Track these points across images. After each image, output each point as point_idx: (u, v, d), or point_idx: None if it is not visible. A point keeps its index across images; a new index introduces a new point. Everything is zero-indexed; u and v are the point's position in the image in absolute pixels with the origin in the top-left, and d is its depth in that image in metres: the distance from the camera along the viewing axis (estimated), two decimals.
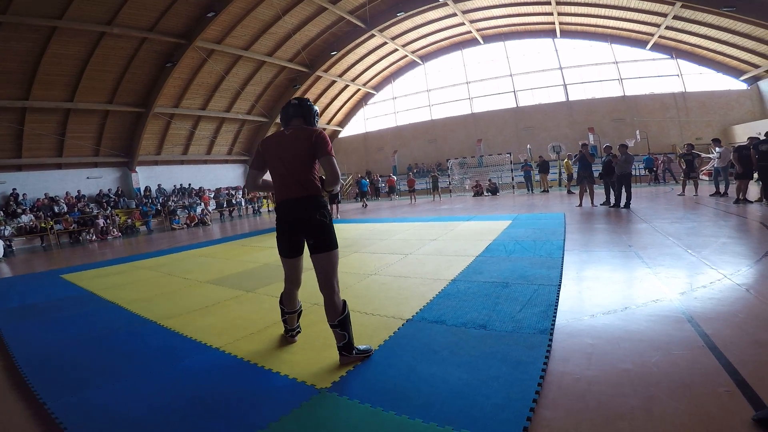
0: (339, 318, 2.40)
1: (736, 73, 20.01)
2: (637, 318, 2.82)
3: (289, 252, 2.56)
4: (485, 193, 17.68)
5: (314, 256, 2.43)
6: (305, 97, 2.60)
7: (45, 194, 16.50)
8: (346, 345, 2.42)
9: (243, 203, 22.08)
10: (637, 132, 20.16)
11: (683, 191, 11.08)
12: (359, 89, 27.61)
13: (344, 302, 2.47)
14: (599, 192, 10.32)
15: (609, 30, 21.34)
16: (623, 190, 9.05)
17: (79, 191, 17.64)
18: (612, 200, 9.47)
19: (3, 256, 11.23)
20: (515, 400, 1.91)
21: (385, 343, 2.72)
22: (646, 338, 2.49)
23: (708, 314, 2.79)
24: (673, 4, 16.44)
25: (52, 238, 14.81)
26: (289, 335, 2.88)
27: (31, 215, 15.03)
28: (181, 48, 16.48)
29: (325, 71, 23.23)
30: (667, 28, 18.81)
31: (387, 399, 2.01)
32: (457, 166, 21.60)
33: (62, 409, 2.18)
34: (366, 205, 17.36)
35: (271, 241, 8.57)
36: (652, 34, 20.04)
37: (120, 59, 15.81)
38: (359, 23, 20.37)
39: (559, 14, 20.76)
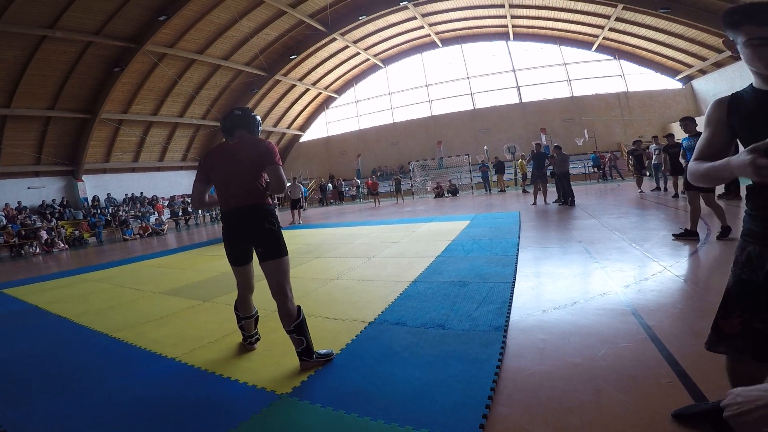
0: (294, 323, 2.40)
1: (672, 72, 21.56)
2: (585, 312, 2.94)
3: (237, 260, 2.55)
4: (446, 195, 18.07)
5: (264, 264, 2.41)
6: (250, 109, 2.56)
7: None
8: (305, 350, 2.42)
9: (199, 211, 21.32)
10: (585, 131, 21.32)
11: (640, 188, 11.08)
12: (320, 93, 27.42)
13: (299, 307, 2.46)
14: (552, 190, 10.84)
15: (558, 32, 22.46)
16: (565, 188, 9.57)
17: (19, 203, 16.40)
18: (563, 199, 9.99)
19: None
20: (472, 398, 1.97)
21: (347, 346, 2.73)
22: (594, 332, 2.59)
23: (650, 306, 2.94)
24: (615, 5, 17.50)
25: None
26: (248, 342, 2.84)
27: None
28: (130, 52, 15.74)
29: (285, 75, 22.89)
30: (611, 29, 20.03)
31: (349, 401, 2.03)
32: (418, 168, 21.94)
33: (9, 422, 2.10)
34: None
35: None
36: (597, 36, 21.26)
37: (63, 63, 14.88)
38: (320, 27, 20.26)
39: (512, 17, 21.62)
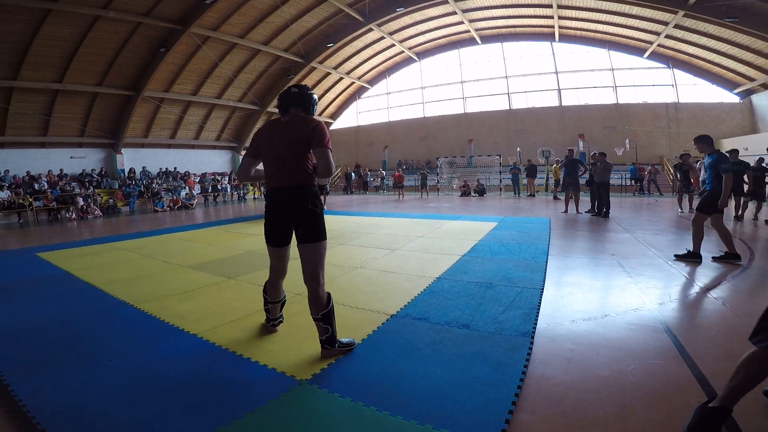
0: (323, 311, 2.36)
1: (730, 85, 20.18)
2: (616, 326, 2.86)
3: (276, 240, 2.50)
4: (472, 194, 17.78)
5: (301, 246, 2.38)
6: (308, 87, 2.50)
7: (27, 172, 16.11)
8: (328, 338, 2.39)
9: (228, 189, 21.78)
10: (627, 141, 20.43)
11: (681, 208, 9.94)
12: (353, 82, 27.40)
13: (329, 295, 2.43)
14: (585, 199, 10.40)
15: (608, 36, 21.37)
16: (602, 198, 9.05)
17: (61, 170, 17.21)
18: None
19: None
20: (495, 402, 1.92)
21: (368, 337, 2.71)
22: (624, 346, 2.53)
23: (685, 325, 2.86)
24: (675, 12, 16.43)
25: (30, 215, 14.40)
26: (271, 324, 2.84)
27: (9, 191, 14.58)
28: (176, 33, 16.11)
29: (320, 62, 22.95)
30: (667, 36, 18.88)
31: (368, 394, 2.00)
32: (446, 165, 21.64)
33: (27, 391, 2.10)
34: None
35: (254, 228, 8.48)
36: (651, 42, 20.10)
37: (113, 43, 15.41)
38: (358, 16, 20.14)
39: (560, 18, 20.71)
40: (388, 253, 5.52)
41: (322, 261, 2.40)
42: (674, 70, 21.25)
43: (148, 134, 20.32)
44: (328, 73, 24.57)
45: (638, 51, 21.34)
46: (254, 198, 22.26)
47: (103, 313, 3.42)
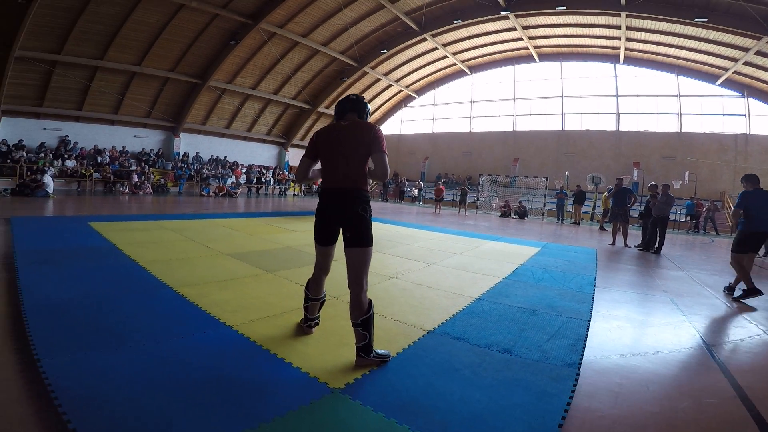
0: (363, 317, 2.33)
1: None
2: (668, 363, 2.75)
3: (324, 239, 2.53)
4: (512, 215, 17.30)
5: (348, 250, 2.38)
6: (363, 97, 2.58)
7: (94, 145, 17.46)
8: (365, 346, 2.34)
9: (271, 183, 22.42)
10: (687, 173, 19.14)
11: None
12: (401, 90, 27.56)
13: (370, 301, 2.40)
14: (634, 233, 9.81)
15: (678, 61, 20.22)
16: (656, 233, 8.48)
17: (124, 147, 18.51)
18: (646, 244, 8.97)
19: (52, 193, 11.81)
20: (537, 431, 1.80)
21: (403, 351, 2.62)
22: (676, 383, 2.44)
23: (743, 367, 2.75)
24: (759, 38, 15.37)
25: (88, 185, 15.47)
26: (307, 325, 2.82)
27: (75, 161, 15.75)
28: (247, 28, 16.99)
29: (372, 68, 23.29)
30: (745, 63, 17.64)
31: (402, 411, 1.92)
32: (488, 182, 21.18)
33: (54, 369, 2.04)
34: None
35: (294, 224, 8.61)
36: (725, 69, 18.81)
37: (190, 32, 16.54)
38: (413, 25, 20.32)
39: (628, 39, 19.84)
40: (425, 266, 5.42)
41: (366, 266, 2.39)
42: (749, 99, 19.69)
43: (206, 122, 21.44)
44: (378, 79, 24.87)
45: (710, 77, 20.01)
46: (294, 195, 22.77)
47: (144, 292, 3.45)
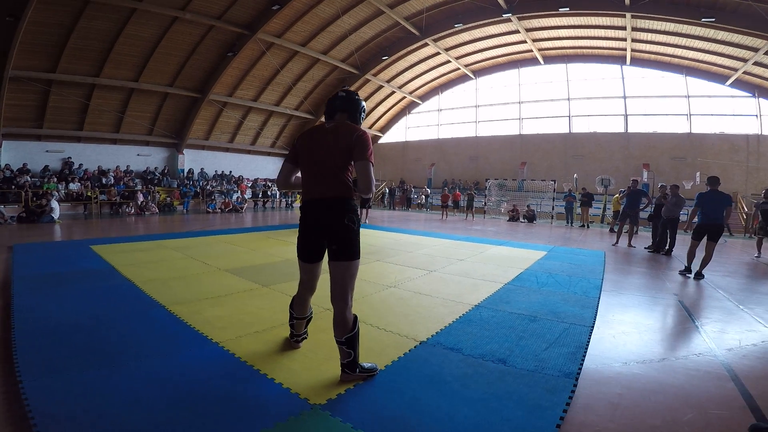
0: (347, 335, 2.20)
1: None
2: (674, 371, 2.59)
3: (308, 256, 2.35)
4: (521, 219, 17.06)
5: (333, 264, 2.23)
6: (356, 93, 2.36)
7: (98, 167, 17.48)
8: (350, 363, 2.23)
9: (277, 196, 22.47)
10: (697, 174, 18.76)
11: (759, 253, 8.75)
12: (405, 97, 27.53)
13: (355, 317, 2.26)
14: (644, 234, 9.58)
15: (686, 62, 19.88)
16: (667, 235, 8.30)
17: (128, 166, 18.54)
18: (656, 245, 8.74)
19: (58, 218, 11.89)
20: None
21: (392, 363, 2.52)
22: (681, 393, 2.28)
23: (755, 374, 2.57)
24: None
25: (94, 207, 15.53)
26: (294, 340, 2.73)
27: (79, 183, 15.86)
28: (244, 39, 17.03)
29: (374, 75, 23.28)
30: (755, 63, 17.25)
31: (383, 428, 1.82)
32: (495, 187, 20.96)
33: (36, 391, 2.06)
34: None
35: (296, 236, 8.50)
36: (735, 69, 18.42)
37: (186, 45, 16.53)
38: (414, 30, 20.26)
39: (634, 41, 19.53)
40: (426, 274, 5.30)
41: (352, 281, 2.24)
42: (760, 99, 19.30)
43: (209, 137, 21.50)
44: (381, 86, 24.88)
45: (720, 78, 19.61)
46: (300, 207, 22.79)
47: (135, 312, 3.43)
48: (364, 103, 2.43)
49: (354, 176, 2.29)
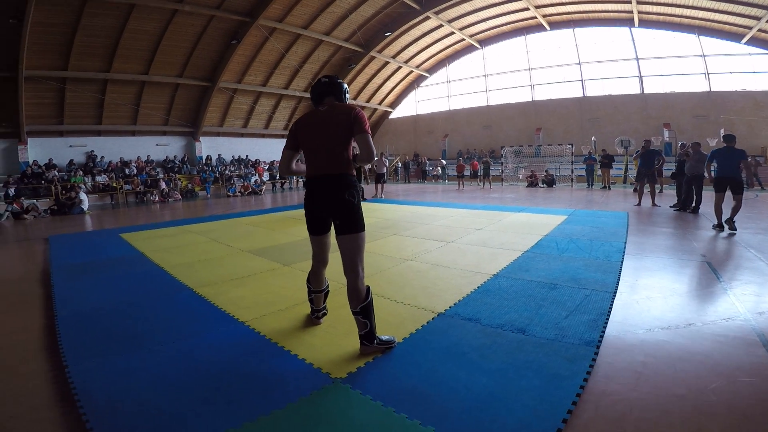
0: (361, 305, 2.27)
1: None
2: (701, 337, 2.48)
3: (316, 229, 2.47)
4: (540, 185, 16.72)
5: (339, 238, 2.32)
6: (337, 77, 2.50)
7: (120, 158, 18.05)
8: (367, 334, 2.29)
9: (294, 176, 22.56)
10: (722, 131, 17.94)
11: None
12: (412, 71, 26.96)
13: (368, 288, 2.32)
14: (670, 193, 9.32)
15: (697, 21, 18.89)
16: (692, 192, 8.09)
17: (148, 156, 19.04)
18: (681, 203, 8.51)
19: (87, 209, 12.39)
20: (543, 419, 1.69)
21: (411, 336, 2.55)
22: (708, 361, 2.18)
23: None
24: None
25: (120, 197, 16.09)
26: (315, 316, 2.80)
27: (105, 176, 16.39)
28: (245, 26, 16.94)
29: (379, 52, 22.89)
30: None
31: (402, 399, 1.85)
32: (511, 154, 20.54)
33: (80, 374, 2.19)
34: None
35: None
36: (749, 27, 17.44)
37: (190, 36, 16.59)
38: (414, 4, 19.75)
39: (639, 2, 18.67)
40: (443, 245, 5.28)
41: (360, 252, 2.32)
42: None
43: (223, 123, 21.73)
44: (387, 62, 24.43)
45: (734, 36, 18.64)
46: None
47: (166, 296, 3.58)
48: (346, 85, 2.56)
49: (355, 153, 2.40)
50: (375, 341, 2.30)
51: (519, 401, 1.82)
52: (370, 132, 2.32)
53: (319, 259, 2.59)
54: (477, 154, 24.28)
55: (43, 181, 14.64)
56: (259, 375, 2.14)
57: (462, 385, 1.97)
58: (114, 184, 16.12)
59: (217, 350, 2.46)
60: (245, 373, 2.16)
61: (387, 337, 2.40)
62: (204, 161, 20.81)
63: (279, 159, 18.31)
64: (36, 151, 16.03)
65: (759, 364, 2.13)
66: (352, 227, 2.29)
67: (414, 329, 2.63)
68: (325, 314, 2.85)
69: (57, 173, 15.26)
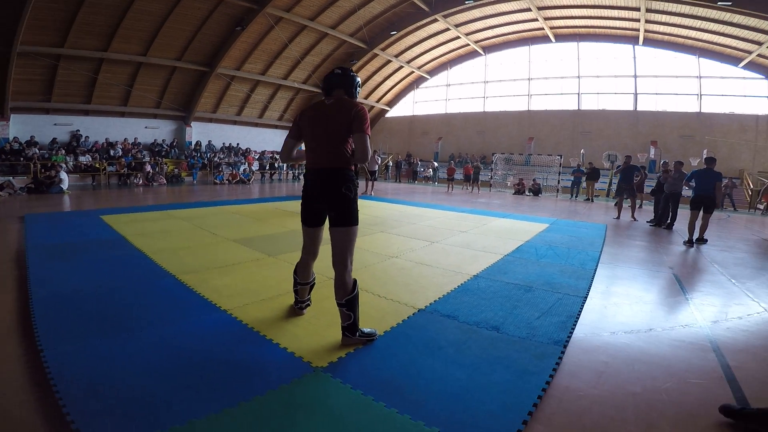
0: (347, 297, 2.35)
1: None
2: (659, 341, 2.71)
3: (310, 221, 2.53)
4: (526, 193, 17.04)
5: (333, 230, 2.40)
6: (351, 69, 2.51)
7: (105, 139, 17.56)
8: (350, 326, 2.38)
9: (284, 168, 22.54)
10: (704, 151, 18.61)
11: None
12: (413, 72, 27.05)
13: (355, 281, 2.41)
14: (649, 209, 9.71)
15: (700, 43, 19.46)
16: (669, 209, 8.44)
17: (135, 138, 18.60)
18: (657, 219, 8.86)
19: (67, 189, 12.12)
20: (510, 411, 1.83)
21: (391, 329, 2.66)
22: (663, 363, 2.40)
23: (737, 346, 2.68)
24: None
25: (102, 179, 15.67)
26: (298, 307, 2.88)
27: (89, 156, 16.00)
28: (253, 13, 16.76)
29: (383, 50, 22.89)
30: None
31: (380, 389, 1.96)
32: (502, 161, 20.87)
33: (56, 358, 2.12)
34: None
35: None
36: (749, 52, 18.08)
37: (195, 19, 16.34)
38: (424, 6, 19.80)
39: (647, 21, 19.07)
40: (428, 245, 5.42)
41: (351, 246, 2.40)
42: None
43: (217, 110, 21.45)
44: (389, 61, 24.46)
45: (733, 60, 19.26)
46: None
47: (147, 281, 3.51)
48: (358, 78, 2.57)
49: (353, 148, 2.42)
50: (357, 333, 2.40)
51: (490, 394, 1.96)
52: (369, 133, 2.36)
53: (309, 251, 2.65)
54: (468, 158, 24.53)
55: (22, 158, 14.13)
56: (241, 363, 2.17)
57: (438, 377, 2.09)
58: (97, 165, 15.73)
59: (199, 338, 2.45)
60: (227, 361, 2.18)
61: (369, 329, 2.50)
62: (193, 146, 20.56)
63: (270, 149, 18.28)
64: (18, 127, 15.51)
65: (708, 367, 2.34)
66: (346, 220, 2.36)
67: (395, 323, 2.75)
68: (308, 305, 2.92)
69: (38, 151, 14.80)
